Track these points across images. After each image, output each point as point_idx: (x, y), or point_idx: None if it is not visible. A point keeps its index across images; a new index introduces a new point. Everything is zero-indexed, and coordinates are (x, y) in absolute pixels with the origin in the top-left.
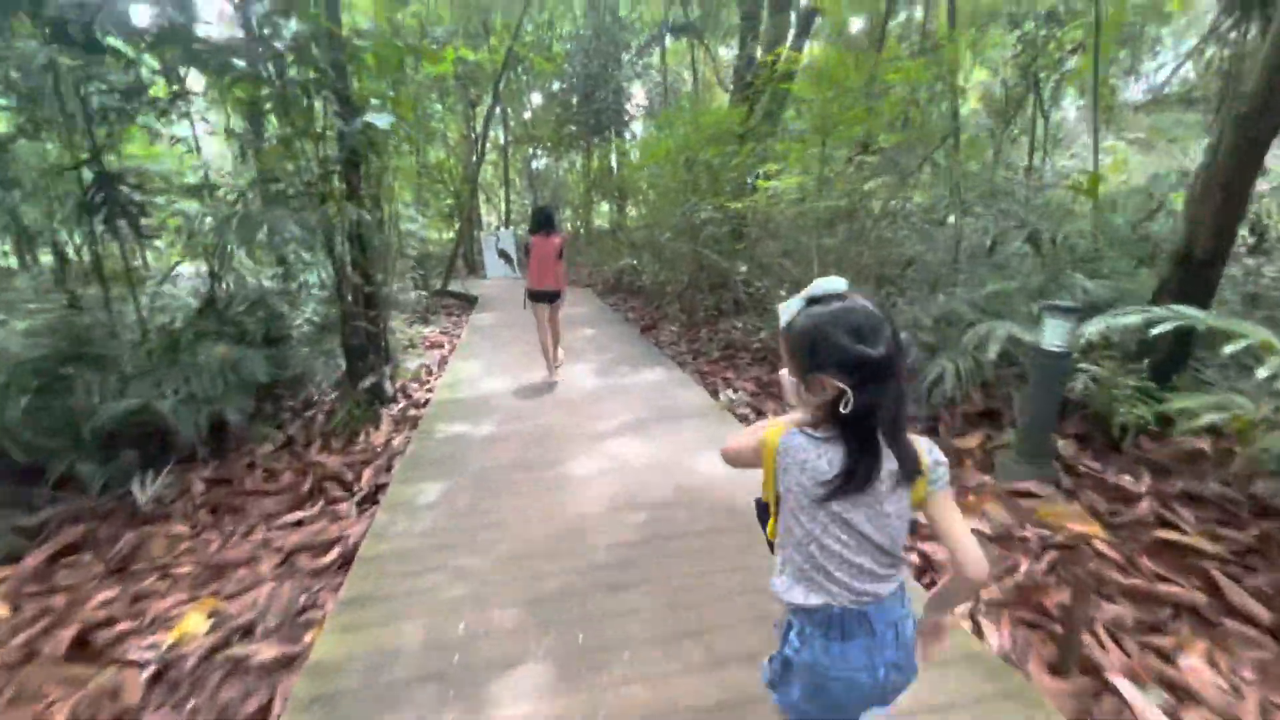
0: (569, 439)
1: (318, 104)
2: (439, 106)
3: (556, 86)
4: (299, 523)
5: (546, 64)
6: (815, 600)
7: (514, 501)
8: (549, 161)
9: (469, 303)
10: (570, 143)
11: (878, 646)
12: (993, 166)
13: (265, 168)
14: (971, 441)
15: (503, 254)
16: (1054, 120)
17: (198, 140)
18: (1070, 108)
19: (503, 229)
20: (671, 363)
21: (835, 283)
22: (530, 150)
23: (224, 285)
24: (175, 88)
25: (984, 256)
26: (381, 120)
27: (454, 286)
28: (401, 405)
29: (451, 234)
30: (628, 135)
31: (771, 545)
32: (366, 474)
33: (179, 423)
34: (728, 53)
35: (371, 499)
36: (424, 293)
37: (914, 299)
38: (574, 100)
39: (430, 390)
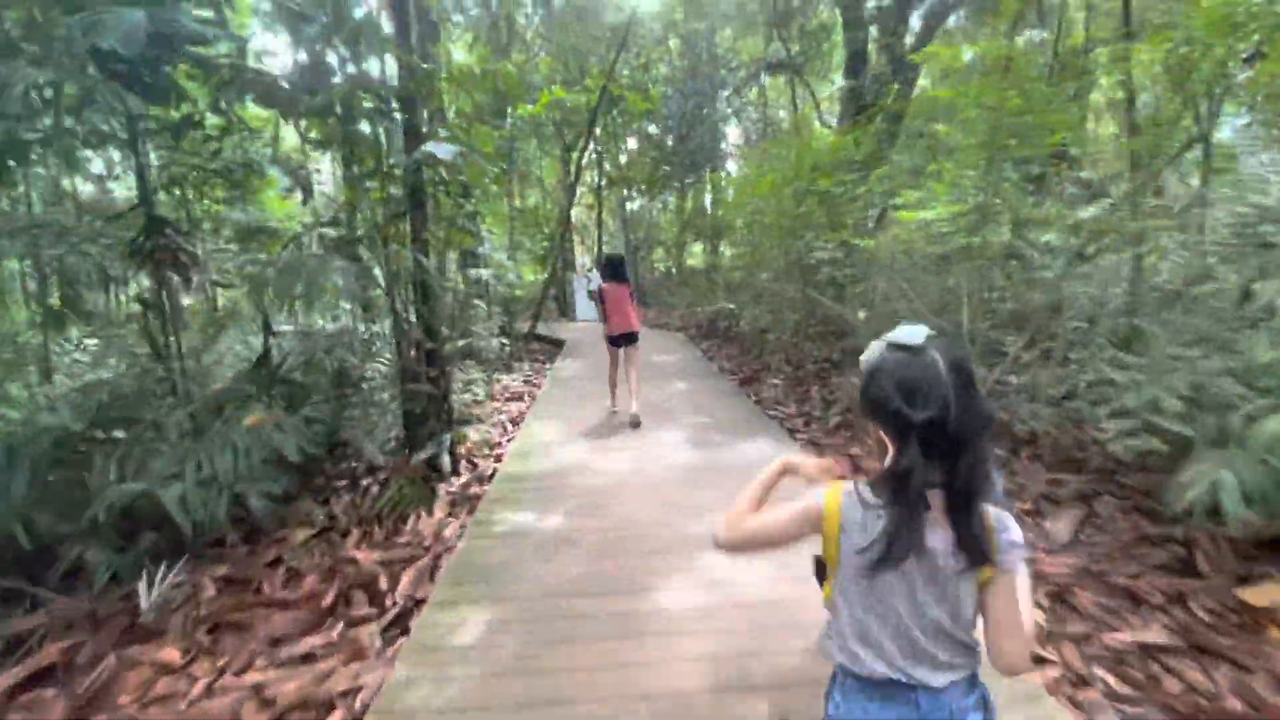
0: (655, 545)
1: (385, 139)
2: (538, 152)
3: (652, 130)
4: (307, 656)
5: (643, 103)
6: (860, 669)
7: (577, 657)
8: (643, 202)
9: (556, 346)
10: (665, 183)
11: None
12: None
13: (337, 210)
14: (1266, 595)
15: (593, 295)
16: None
17: (245, 181)
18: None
19: (594, 270)
20: (779, 429)
21: (914, 333)
22: (625, 192)
23: (275, 338)
24: (234, 123)
25: (1190, 302)
26: (444, 151)
27: (543, 329)
28: (463, 480)
29: (545, 275)
30: (723, 173)
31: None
32: (404, 580)
33: (186, 513)
34: (828, 90)
35: (402, 622)
36: (504, 341)
37: (1115, 362)
38: (669, 141)
39: (499, 459)
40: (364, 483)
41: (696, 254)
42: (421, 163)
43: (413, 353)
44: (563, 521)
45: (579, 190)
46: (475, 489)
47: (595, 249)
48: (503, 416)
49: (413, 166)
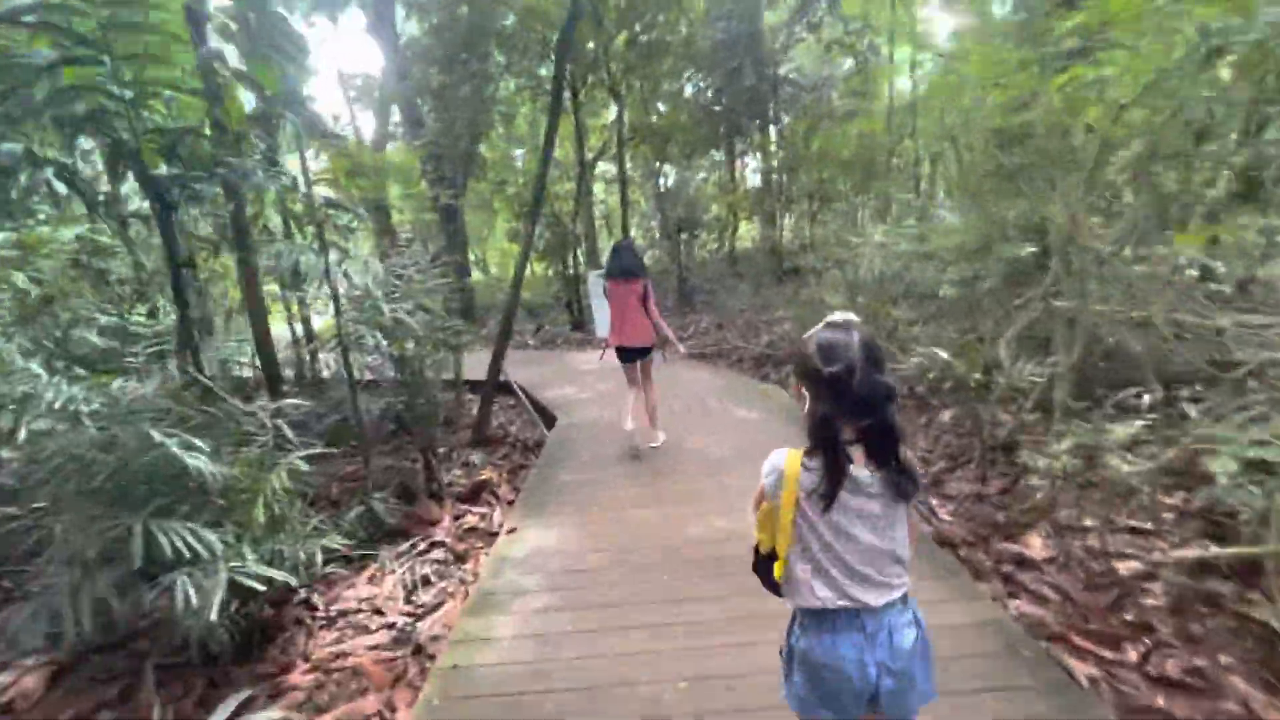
0: None
1: None
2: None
3: (688, 87)
4: None
5: None
6: (814, 602)
7: None
8: (679, 173)
9: (536, 424)
10: (707, 144)
11: (869, 645)
12: None
13: None
14: None
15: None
16: None
17: None
18: None
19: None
20: None
21: (842, 314)
22: (656, 164)
23: None
24: None
25: None
26: None
27: (531, 367)
28: None
29: (555, 272)
30: (775, 129)
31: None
32: None
33: None
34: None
35: None
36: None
37: None
38: (708, 93)
39: None
40: None
41: (745, 234)
42: None
43: None
44: None
45: (598, 164)
46: None
47: (621, 232)
48: None
49: None
